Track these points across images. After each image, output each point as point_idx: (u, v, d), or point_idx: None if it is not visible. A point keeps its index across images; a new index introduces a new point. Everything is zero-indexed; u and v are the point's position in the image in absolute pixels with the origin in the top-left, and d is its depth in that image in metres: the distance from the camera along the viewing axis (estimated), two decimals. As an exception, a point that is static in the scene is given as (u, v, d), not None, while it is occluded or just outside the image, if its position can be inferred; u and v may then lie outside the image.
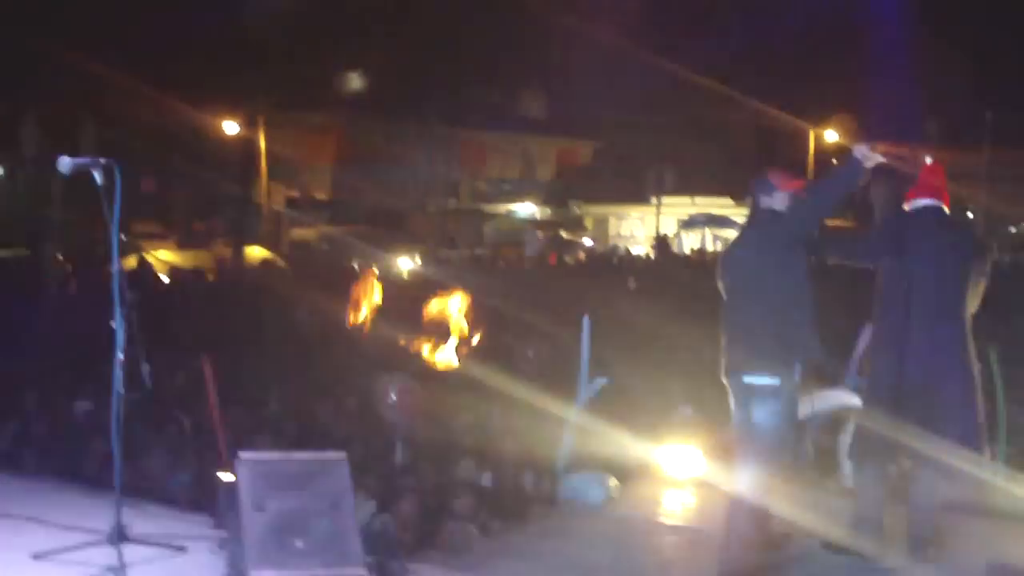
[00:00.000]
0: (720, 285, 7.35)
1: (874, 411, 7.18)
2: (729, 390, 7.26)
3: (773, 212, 7.26)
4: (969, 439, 7.14)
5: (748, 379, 7.10)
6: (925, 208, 7.39)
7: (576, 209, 56.33)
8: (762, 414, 7.06)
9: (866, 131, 59.57)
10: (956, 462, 7.15)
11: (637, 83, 60.44)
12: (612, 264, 34.92)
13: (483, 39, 55.40)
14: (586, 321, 9.51)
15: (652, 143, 55.40)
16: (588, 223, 55.97)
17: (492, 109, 56.14)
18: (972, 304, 7.25)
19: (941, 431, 7.01)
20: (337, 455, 6.76)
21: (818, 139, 56.04)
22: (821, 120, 56.62)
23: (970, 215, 56.27)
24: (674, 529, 8.29)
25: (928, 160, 7.63)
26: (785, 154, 60.24)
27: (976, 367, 7.26)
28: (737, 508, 7.18)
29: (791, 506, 7.26)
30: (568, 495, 8.68)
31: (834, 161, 59.11)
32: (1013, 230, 61.64)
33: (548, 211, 56.46)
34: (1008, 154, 59.17)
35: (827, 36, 74.79)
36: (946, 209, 7.45)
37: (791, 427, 7.19)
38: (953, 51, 66.25)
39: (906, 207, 7.48)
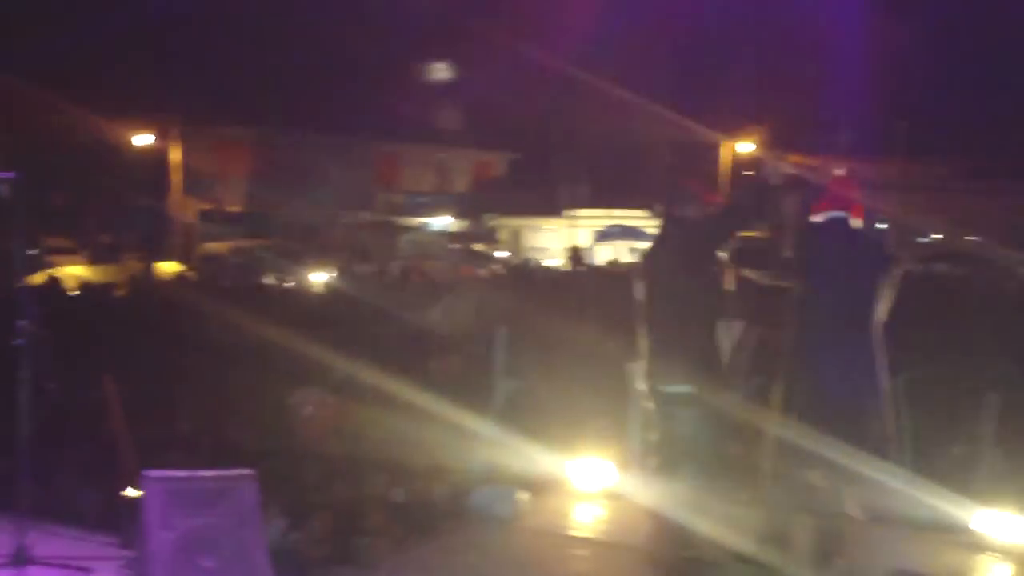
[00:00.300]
0: (636, 293, 7.41)
1: (786, 422, 7.20)
2: (655, 404, 7.32)
3: (689, 221, 7.33)
4: (879, 448, 7.21)
5: (666, 388, 7.17)
6: (833, 220, 7.45)
7: (490, 222, 56.37)
8: (682, 422, 7.12)
9: (778, 143, 60.25)
10: (867, 471, 7.23)
11: (553, 96, 60.65)
12: (525, 276, 34.94)
13: (399, 51, 55.34)
14: (500, 335, 9.56)
15: (567, 156, 55.59)
16: (502, 236, 56.03)
17: (407, 121, 56.08)
18: (881, 313, 7.30)
19: (852, 441, 7.06)
20: (245, 472, 6.71)
21: (731, 151, 56.46)
22: (734, 132, 57.08)
23: (882, 226, 56.96)
24: (583, 542, 8.30)
25: (838, 171, 7.69)
26: (699, 166, 60.69)
27: (887, 377, 7.32)
28: (656, 520, 7.25)
29: (704, 517, 7.29)
30: (478, 508, 8.67)
31: (747, 173, 59.71)
32: (925, 240, 62.43)
33: (463, 224, 56.46)
34: (920, 165, 59.99)
35: (740, 49, 75.47)
36: (855, 221, 7.50)
37: (711, 435, 7.25)
38: (866, 62, 66.91)
39: (815, 219, 7.52)
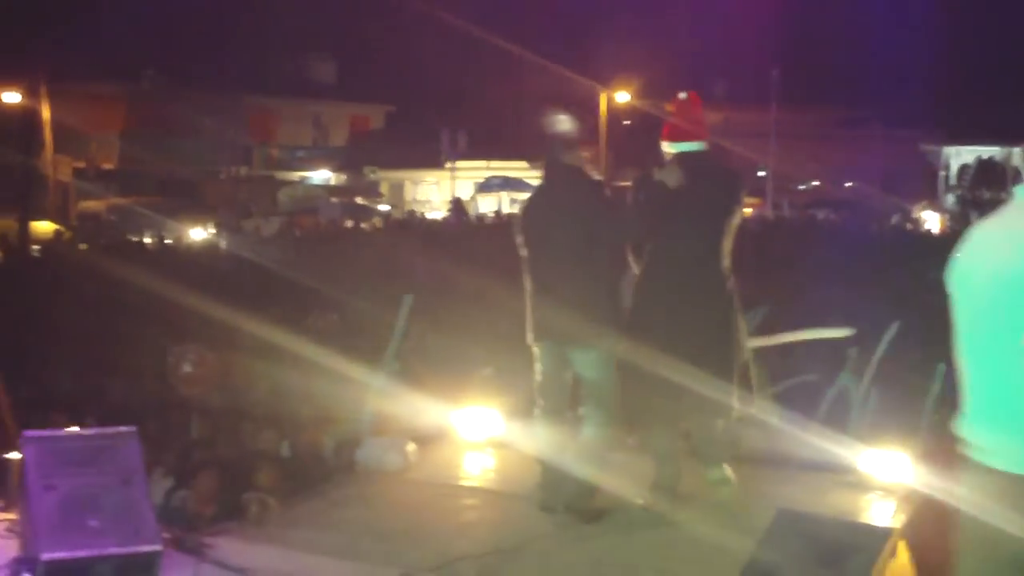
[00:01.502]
0: (520, 244, 7.33)
1: (647, 370, 7.14)
2: (539, 349, 7.29)
3: (574, 170, 7.27)
4: (738, 388, 7.24)
5: (565, 345, 7.17)
6: (681, 156, 7.28)
7: (371, 175, 56.12)
8: (585, 368, 7.13)
9: (654, 92, 60.55)
10: (747, 411, 7.30)
11: (429, 47, 60.42)
12: (408, 229, 34.91)
13: (270, 4, 54.70)
14: (406, 299, 9.55)
15: (445, 107, 55.46)
16: (384, 189, 55.83)
17: (282, 75, 55.57)
18: (729, 246, 7.22)
19: (713, 381, 7.05)
20: (126, 429, 6.59)
21: (609, 100, 56.63)
22: (611, 81, 57.25)
23: (762, 174, 57.64)
24: (472, 491, 8.30)
25: (680, 95, 7.49)
26: (576, 115, 60.78)
27: (740, 314, 7.32)
28: (540, 468, 7.30)
29: (589, 464, 7.32)
30: (367, 461, 8.63)
31: (626, 122, 60.10)
32: (801, 187, 63.26)
33: (343, 177, 56.14)
34: (794, 113, 60.65)
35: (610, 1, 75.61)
36: (700, 146, 7.35)
37: (613, 381, 7.24)
38: (742, 11, 67.41)
39: (666, 148, 7.34)
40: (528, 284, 7.32)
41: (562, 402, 7.45)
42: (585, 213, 7.08)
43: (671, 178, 7.10)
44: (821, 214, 49.74)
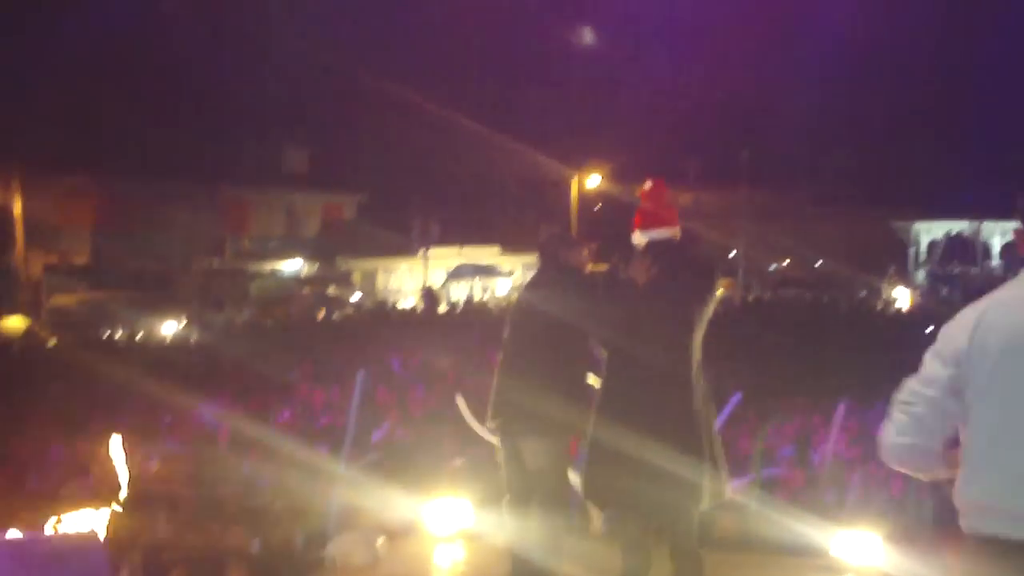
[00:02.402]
0: (508, 333, 7.43)
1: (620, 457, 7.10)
2: (500, 439, 7.30)
3: (571, 270, 7.36)
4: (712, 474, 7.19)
5: (515, 435, 7.17)
6: (655, 243, 7.12)
7: (343, 264, 56.14)
8: (537, 460, 7.11)
9: (624, 176, 60.91)
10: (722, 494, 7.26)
11: (401, 134, 60.74)
12: (381, 318, 34.85)
13: (243, 95, 54.95)
14: (360, 376, 9.47)
15: (417, 195, 55.67)
16: (356, 278, 55.82)
17: (254, 165, 55.73)
18: (700, 337, 7.20)
19: (687, 467, 7.01)
20: (89, 534, 6.54)
21: (579, 184, 57.00)
22: (582, 166, 57.64)
23: (734, 253, 57.91)
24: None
25: (647, 185, 7.40)
26: (549, 200, 61.18)
27: (709, 403, 7.28)
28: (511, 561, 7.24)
29: (556, 554, 7.28)
30: (337, 557, 8.56)
31: (597, 207, 60.38)
32: (772, 267, 63.54)
33: (315, 267, 56.15)
34: (764, 193, 61.09)
35: (587, 85, 76.31)
36: (671, 233, 7.21)
37: (565, 473, 7.23)
38: (710, 94, 68.08)
39: (638, 239, 7.29)
40: (496, 374, 7.35)
41: (529, 491, 7.40)
42: (566, 313, 7.14)
43: (640, 273, 7.08)
44: (791, 293, 49.90)
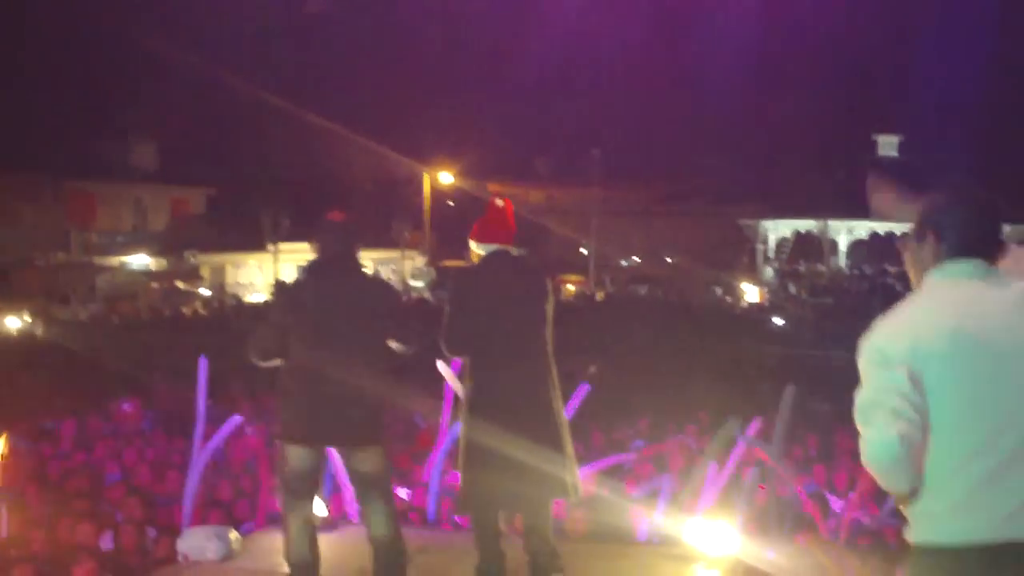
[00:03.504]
0: (300, 329, 6.96)
1: (478, 457, 7.13)
2: (299, 450, 7.03)
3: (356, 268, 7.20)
4: (570, 468, 7.25)
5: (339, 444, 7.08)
6: (494, 254, 7.34)
7: (192, 259, 55.42)
8: (364, 464, 7.03)
9: (478, 173, 61.09)
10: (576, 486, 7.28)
11: (251, 129, 60.19)
12: (230, 311, 34.59)
13: (90, 88, 54.01)
14: (202, 363, 9.26)
15: (267, 190, 55.18)
16: (205, 272, 55.17)
17: (101, 159, 54.77)
18: (549, 336, 7.30)
19: (550, 462, 7.06)
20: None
21: (432, 180, 57.02)
22: (434, 162, 57.69)
23: (584, 251, 58.40)
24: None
25: (497, 201, 7.60)
26: (402, 196, 61.14)
27: (560, 397, 7.34)
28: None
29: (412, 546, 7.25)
30: (188, 551, 8.43)
31: (450, 203, 60.48)
32: (624, 263, 64.20)
33: (163, 262, 55.33)
34: (616, 190, 61.67)
35: (440, 82, 76.30)
36: (513, 251, 7.40)
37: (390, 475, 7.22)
38: (565, 91, 68.50)
39: (477, 249, 7.39)
40: (296, 376, 7.07)
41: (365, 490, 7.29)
42: (376, 311, 7.05)
43: (482, 276, 7.23)
44: (643, 290, 50.53)
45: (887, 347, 3.78)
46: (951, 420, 3.70)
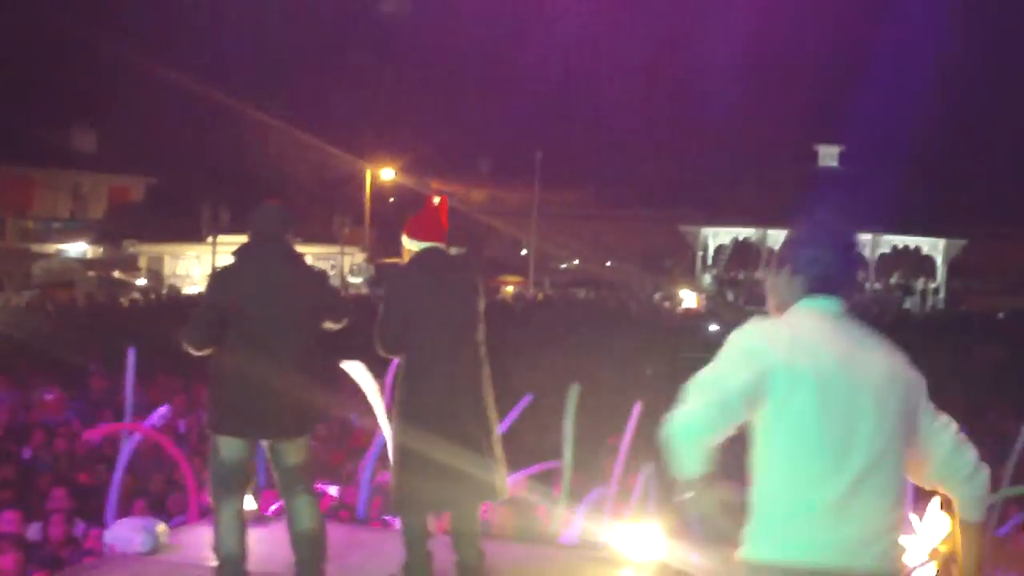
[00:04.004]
0: (232, 316, 6.90)
1: (411, 459, 7.12)
2: (230, 441, 7.02)
3: (292, 254, 7.18)
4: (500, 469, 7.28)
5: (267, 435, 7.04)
6: (426, 251, 7.33)
7: (130, 248, 54.99)
8: (292, 456, 7.03)
9: (420, 170, 61.03)
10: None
11: (192, 119, 59.83)
12: (165, 304, 34.40)
13: (29, 73, 53.52)
14: (130, 354, 9.22)
15: (207, 181, 54.83)
16: (143, 263, 54.77)
17: (38, 144, 54.20)
18: (481, 334, 7.31)
19: (480, 463, 7.08)
20: None
21: (373, 177, 56.88)
22: (378, 159, 57.57)
23: (524, 252, 58.44)
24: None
25: (435, 199, 7.61)
26: (343, 192, 60.95)
27: (491, 394, 7.36)
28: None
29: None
30: (115, 543, 8.40)
31: (391, 200, 60.37)
32: (563, 266, 64.33)
33: (100, 250, 54.87)
34: (558, 192, 61.76)
35: (383, 79, 76.12)
36: (445, 248, 7.40)
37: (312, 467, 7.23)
38: (509, 92, 68.54)
39: (409, 246, 7.43)
40: (227, 366, 7.08)
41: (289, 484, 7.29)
42: (307, 295, 7.05)
43: (415, 274, 7.24)
44: (582, 293, 50.64)
45: (753, 349, 3.90)
46: (803, 443, 3.82)
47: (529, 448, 11.53)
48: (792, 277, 4.13)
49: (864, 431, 3.82)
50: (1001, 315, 43.09)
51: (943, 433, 4.06)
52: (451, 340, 7.12)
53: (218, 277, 7.25)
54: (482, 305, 7.36)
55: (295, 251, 7.22)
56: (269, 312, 6.85)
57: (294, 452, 7.03)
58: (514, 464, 8.84)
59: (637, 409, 9.55)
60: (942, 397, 4.18)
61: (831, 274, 4.08)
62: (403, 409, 7.12)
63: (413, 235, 7.41)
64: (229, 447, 6.92)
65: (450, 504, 7.19)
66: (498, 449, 7.21)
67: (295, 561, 7.14)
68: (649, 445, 9.33)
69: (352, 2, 75.44)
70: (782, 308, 4.18)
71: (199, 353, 6.99)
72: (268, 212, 7.20)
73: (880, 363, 3.94)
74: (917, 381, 4.02)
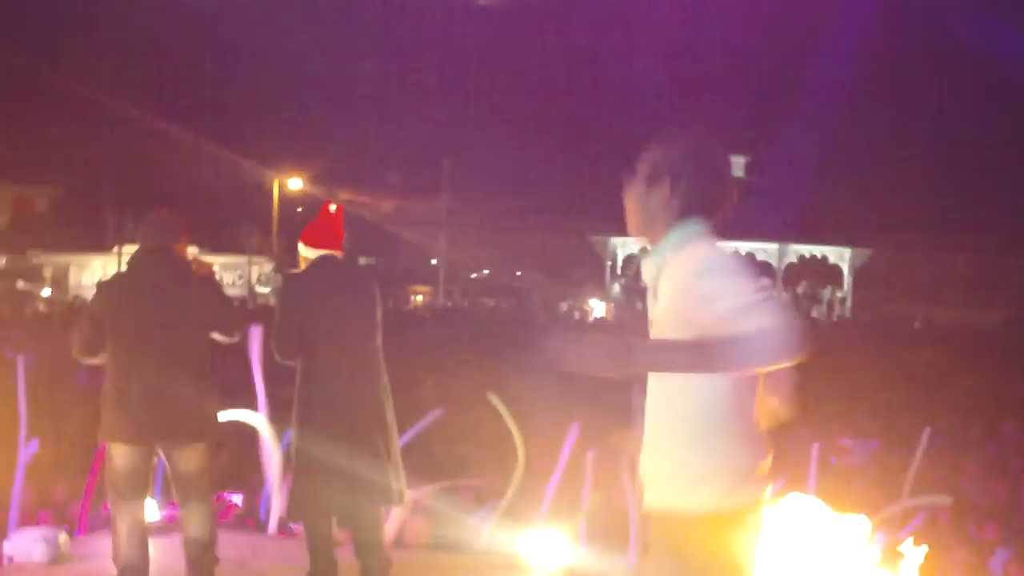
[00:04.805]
0: (119, 323, 6.84)
1: (308, 464, 7.08)
2: (123, 448, 6.95)
3: (166, 256, 7.08)
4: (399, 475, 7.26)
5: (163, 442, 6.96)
6: (322, 259, 7.31)
7: (34, 258, 54.34)
8: (187, 463, 6.97)
9: (328, 180, 60.79)
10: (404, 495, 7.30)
11: (98, 128, 59.20)
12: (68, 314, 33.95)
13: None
14: (20, 361, 9.03)
15: (112, 190, 54.33)
16: (47, 272, 54.13)
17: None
18: (379, 339, 7.30)
19: (379, 469, 7.06)
20: None
21: (283, 188, 56.63)
22: (286, 169, 57.32)
23: (434, 262, 58.41)
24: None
25: (331, 207, 7.60)
26: (251, 202, 60.61)
27: (389, 398, 7.34)
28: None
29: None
30: (15, 554, 8.25)
31: (299, 209, 60.11)
32: (473, 275, 64.38)
33: (3, 261, 54.17)
34: (466, 202, 61.77)
35: (291, 87, 75.83)
36: (339, 255, 7.40)
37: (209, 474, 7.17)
38: (416, 101, 68.48)
39: (306, 253, 7.41)
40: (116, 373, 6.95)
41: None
42: (196, 303, 6.99)
43: (311, 281, 7.21)
44: (491, 302, 50.72)
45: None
46: None
47: (439, 457, 11.52)
48: (671, 195, 3.85)
49: None
50: (917, 324, 43.71)
51: None
52: (347, 346, 7.12)
53: (101, 288, 7.20)
54: (379, 313, 7.36)
55: (182, 261, 7.17)
56: (152, 321, 6.80)
57: (189, 459, 6.97)
58: (424, 476, 8.85)
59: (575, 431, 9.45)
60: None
61: (709, 193, 3.84)
62: (300, 414, 7.10)
63: (309, 243, 7.40)
64: (122, 455, 6.85)
65: (347, 508, 7.13)
66: (396, 454, 7.19)
67: (185, 569, 7.09)
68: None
69: (259, 11, 75.10)
70: (651, 227, 3.93)
71: (89, 362, 6.96)
72: (154, 223, 7.13)
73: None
74: None
